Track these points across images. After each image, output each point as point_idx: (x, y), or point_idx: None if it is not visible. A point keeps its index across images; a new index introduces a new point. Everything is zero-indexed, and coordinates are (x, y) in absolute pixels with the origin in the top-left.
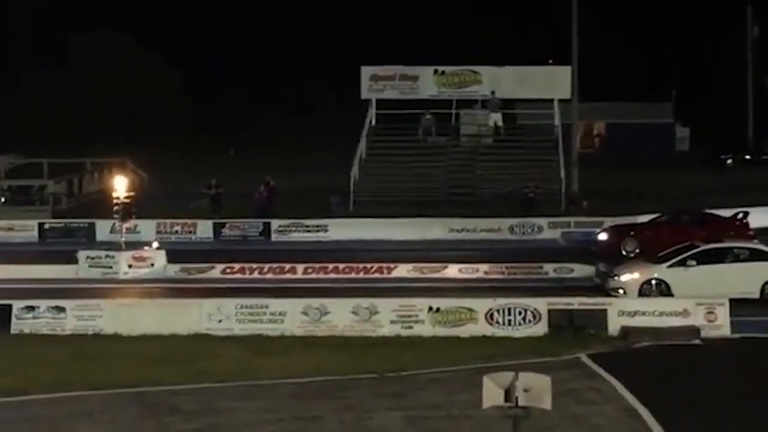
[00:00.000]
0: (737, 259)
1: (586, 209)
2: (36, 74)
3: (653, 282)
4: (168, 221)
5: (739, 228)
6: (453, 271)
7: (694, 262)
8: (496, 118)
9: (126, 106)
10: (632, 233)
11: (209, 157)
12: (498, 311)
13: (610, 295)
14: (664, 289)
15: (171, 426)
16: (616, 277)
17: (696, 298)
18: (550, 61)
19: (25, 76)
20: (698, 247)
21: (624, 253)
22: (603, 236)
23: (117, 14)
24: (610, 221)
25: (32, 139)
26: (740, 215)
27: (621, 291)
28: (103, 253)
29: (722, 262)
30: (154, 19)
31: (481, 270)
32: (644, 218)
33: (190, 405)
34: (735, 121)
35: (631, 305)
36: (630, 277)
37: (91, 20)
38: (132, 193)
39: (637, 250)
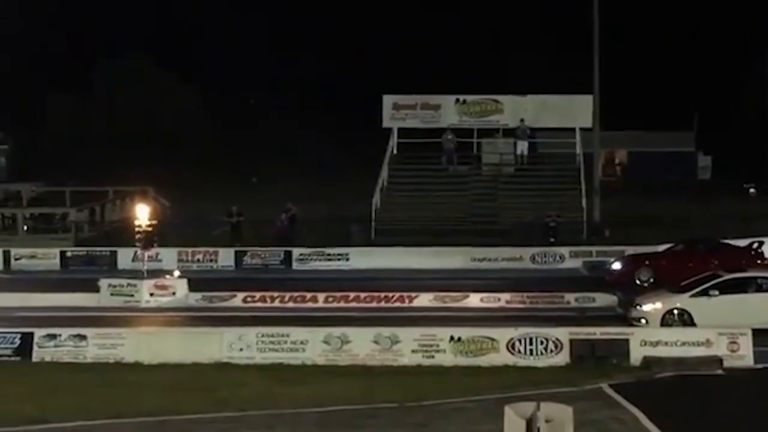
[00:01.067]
0: (760, 288)
1: (608, 238)
2: (60, 102)
3: (675, 312)
4: (189, 249)
5: (754, 257)
6: (474, 300)
7: (716, 292)
8: (522, 146)
9: (149, 133)
10: (647, 262)
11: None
12: (519, 341)
13: (632, 325)
14: (686, 319)
15: None
16: (638, 307)
17: (718, 328)
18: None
19: (49, 104)
20: (721, 276)
21: (638, 282)
22: (617, 265)
23: (140, 39)
24: (632, 250)
25: (55, 167)
26: (755, 245)
27: (643, 321)
28: (125, 282)
29: (745, 291)
30: (178, 46)
31: (502, 299)
32: (664, 247)
33: None
34: (757, 150)
35: (653, 335)
36: (652, 306)
37: (117, 45)
38: (154, 222)
39: (652, 280)
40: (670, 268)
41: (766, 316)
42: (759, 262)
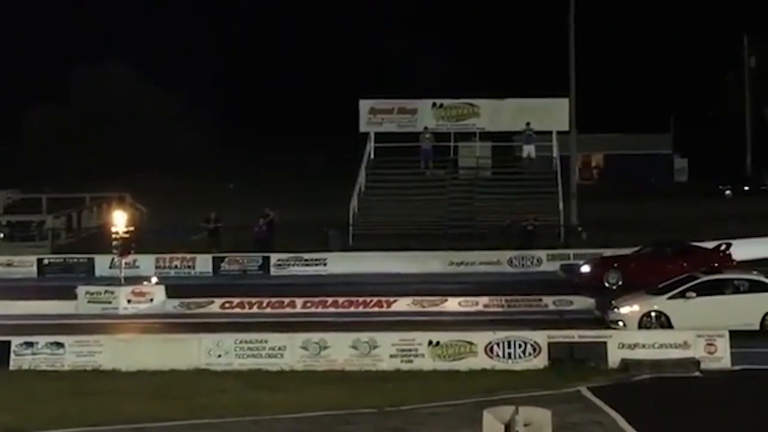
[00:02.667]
0: (737, 290)
1: (585, 241)
2: (36, 109)
3: (653, 314)
4: (167, 256)
5: (722, 259)
6: (453, 304)
7: (693, 294)
8: (529, 150)
9: (125, 139)
10: (615, 265)
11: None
12: (498, 344)
13: (610, 328)
14: (664, 321)
15: None
16: (615, 310)
17: (696, 330)
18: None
19: (25, 111)
20: (698, 278)
21: (607, 285)
22: (586, 268)
23: (119, 45)
24: (609, 252)
25: (31, 174)
26: (723, 246)
27: (621, 323)
28: (102, 289)
29: (722, 293)
30: (156, 52)
31: (480, 303)
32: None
33: None
34: (733, 152)
35: (631, 338)
36: (630, 309)
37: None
38: (131, 228)
39: (620, 282)
40: (638, 270)
41: (743, 318)
42: (727, 264)
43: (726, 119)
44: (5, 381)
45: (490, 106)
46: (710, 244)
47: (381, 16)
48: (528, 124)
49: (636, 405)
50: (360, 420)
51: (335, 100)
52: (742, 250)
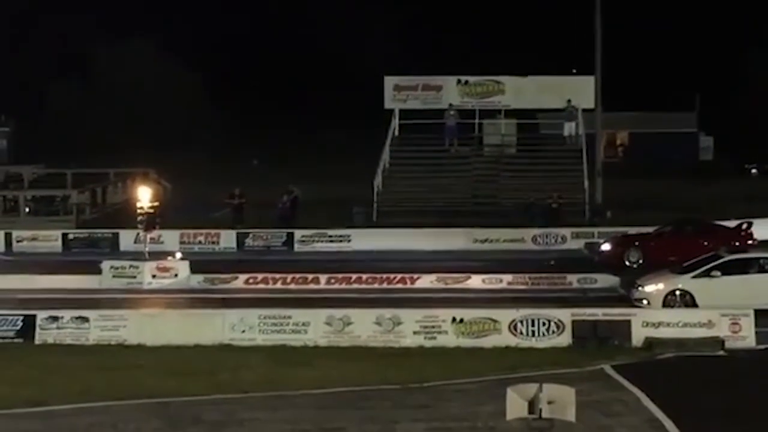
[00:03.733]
0: (762, 269)
1: (610, 219)
2: (61, 84)
3: (677, 293)
4: (191, 231)
5: (743, 238)
6: (476, 281)
7: (718, 273)
8: (570, 127)
9: (150, 115)
10: (636, 243)
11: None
12: (521, 322)
13: (634, 306)
14: (688, 300)
15: None
16: (640, 288)
17: (720, 309)
18: (574, 71)
19: (50, 87)
20: (723, 257)
21: (627, 263)
22: (606, 246)
23: (142, 22)
24: (633, 231)
25: (56, 149)
26: (744, 225)
27: (645, 302)
28: (126, 264)
29: (747, 272)
30: (180, 28)
31: (504, 280)
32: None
33: (214, 416)
34: (759, 131)
35: (655, 316)
36: (654, 287)
37: (118, 29)
38: (156, 203)
39: (641, 261)
40: (659, 249)
41: None
42: (749, 242)
43: (752, 98)
44: (31, 355)
45: (516, 83)
46: (731, 223)
47: None
48: (569, 101)
49: (660, 384)
50: (383, 396)
51: (360, 76)
52: (764, 229)
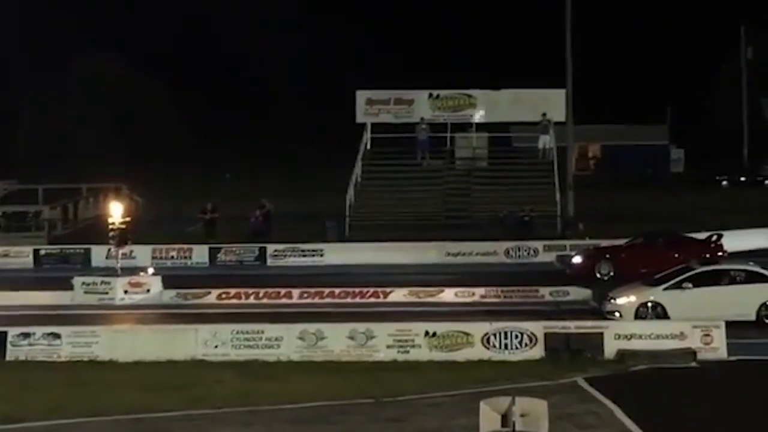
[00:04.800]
0: (733, 281)
1: (582, 232)
2: (33, 99)
3: (649, 305)
4: (164, 246)
5: (713, 250)
6: (449, 295)
7: (690, 285)
8: (545, 140)
9: (122, 129)
10: (607, 256)
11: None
12: (494, 335)
13: (606, 318)
14: (660, 312)
15: None
16: (612, 300)
17: (692, 321)
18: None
19: (22, 101)
20: (694, 269)
21: (598, 276)
22: (577, 259)
23: (115, 36)
24: (607, 243)
25: (27, 164)
26: (714, 237)
27: (617, 314)
28: (98, 279)
29: (718, 284)
30: (153, 42)
31: (477, 294)
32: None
33: (187, 431)
34: (730, 143)
35: (627, 328)
36: (626, 300)
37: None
38: (128, 219)
39: (612, 273)
40: (629, 261)
41: (740, 309)
42: (719, 254)
43: (723, 110)
44: (2, 372)
45: (487, 96)
46: (702, 235)
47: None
48: (544, 114)
49: (632, 395)
50: (357, 410)
51: (331, 90)
52: (734, 241)
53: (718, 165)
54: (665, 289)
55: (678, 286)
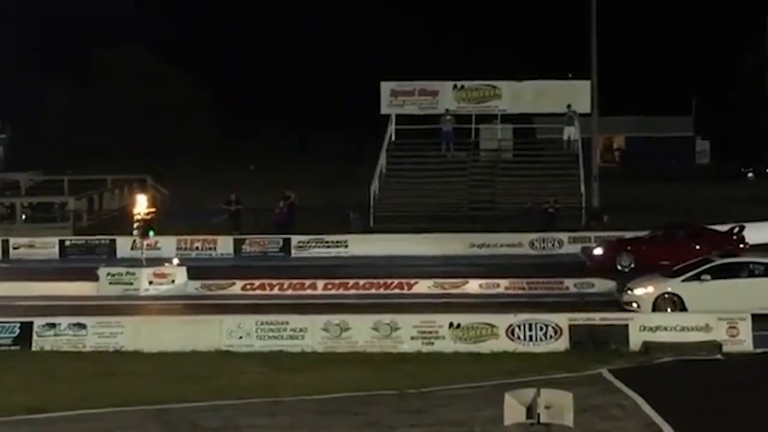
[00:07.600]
0: (752, 274)
1: (607, 223)
2: (58, 91)
3: (667, 296)
4: (188, 238)
5: (735, 242)
6: (474, 286)
7: (708, 277)
8: (570, 131)
9: (146, 121)
10: (628, 248)
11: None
12: (519, 327)
13: (624, 310)
14: (677, 304)
15: None
16: (630, 291)
17: (717, 313)
18: (570, 75)
19: (47, 93)
20: (713, 261)
21: (619, 267)
22: (598, 251)
23: (141, 28)
24: (631, 235)
25: (53, 156)
26: (736, 229)
27: (635, 305)
28: (123, 270)
29: (737, 276)
30: (179, 34)
31: (501, 285)
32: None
33: (211, 422)
34: (755, 135)
35: (652, 320)
36: (644, 291)
37: (115, 35)
38: (153, 210)
39: (633, 265)
40: (650, 253)
41: (758, 302)
42: (741, 246)
43: (748, 101)
44: (27, 362)
45: (512, 87)
46: (723, 227)
47: None
48: (569, 106)
49: (657, 388)
50: (381, 402)
51: (357, 81)
52: (756, 233)
53: (743, 157)
54: (683, 280)
55: (696, 278)
